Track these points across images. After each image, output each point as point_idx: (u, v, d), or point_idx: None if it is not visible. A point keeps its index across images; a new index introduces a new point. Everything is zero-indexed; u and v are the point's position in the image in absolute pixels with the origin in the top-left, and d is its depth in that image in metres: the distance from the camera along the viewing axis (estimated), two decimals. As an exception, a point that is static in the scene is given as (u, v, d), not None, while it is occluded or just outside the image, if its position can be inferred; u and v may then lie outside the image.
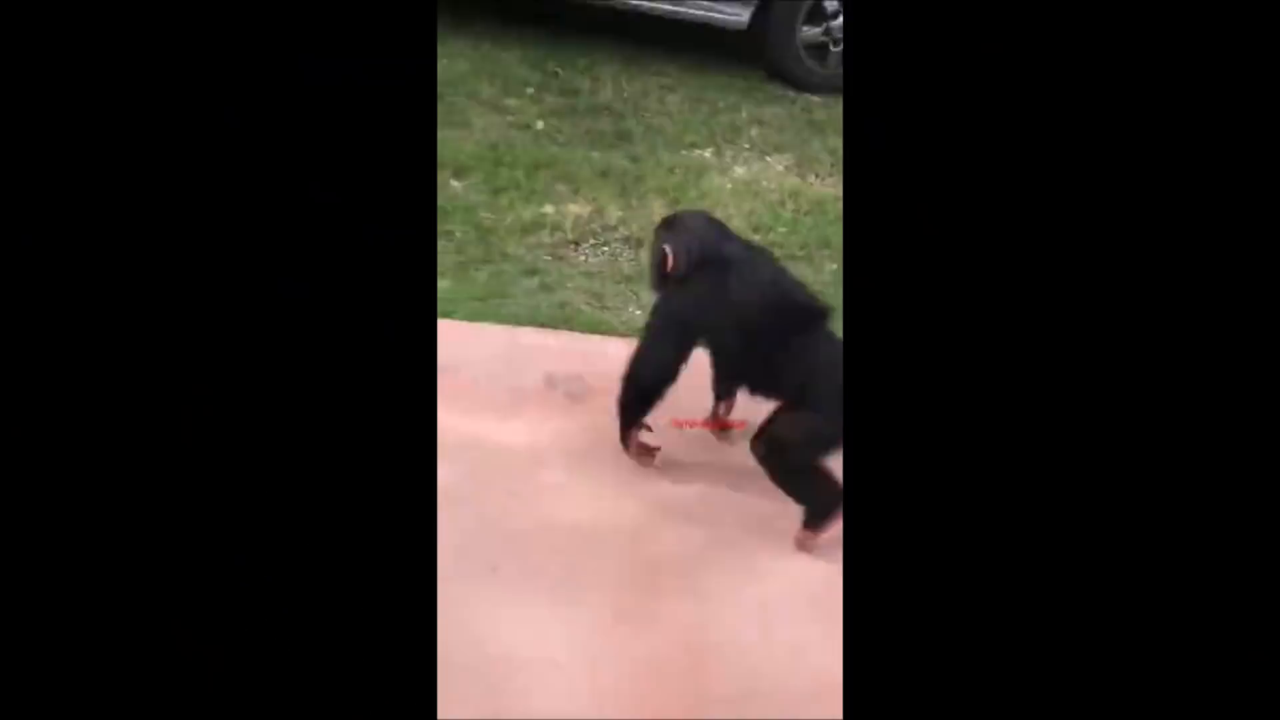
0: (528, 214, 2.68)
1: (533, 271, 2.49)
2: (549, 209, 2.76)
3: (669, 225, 1.92)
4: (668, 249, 1.81)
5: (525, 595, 1.57)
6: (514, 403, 2.00)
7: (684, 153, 3.31)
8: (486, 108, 3.37)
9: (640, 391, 1.81)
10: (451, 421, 1.93)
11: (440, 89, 3.38)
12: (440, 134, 3.05)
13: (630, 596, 1.60)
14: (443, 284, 2.40)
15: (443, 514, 1.68)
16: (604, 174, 3.03)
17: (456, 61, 3.64)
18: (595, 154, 3.17)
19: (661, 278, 1.83)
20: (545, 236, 2.64)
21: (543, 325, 2.27)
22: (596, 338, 2.24)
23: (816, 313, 1.76)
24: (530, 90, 3.56)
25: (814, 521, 1.69)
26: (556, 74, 3.72)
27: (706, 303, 1.77)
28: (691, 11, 3.74)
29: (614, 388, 1.86)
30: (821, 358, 1.65)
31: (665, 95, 3.79)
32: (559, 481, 1.82)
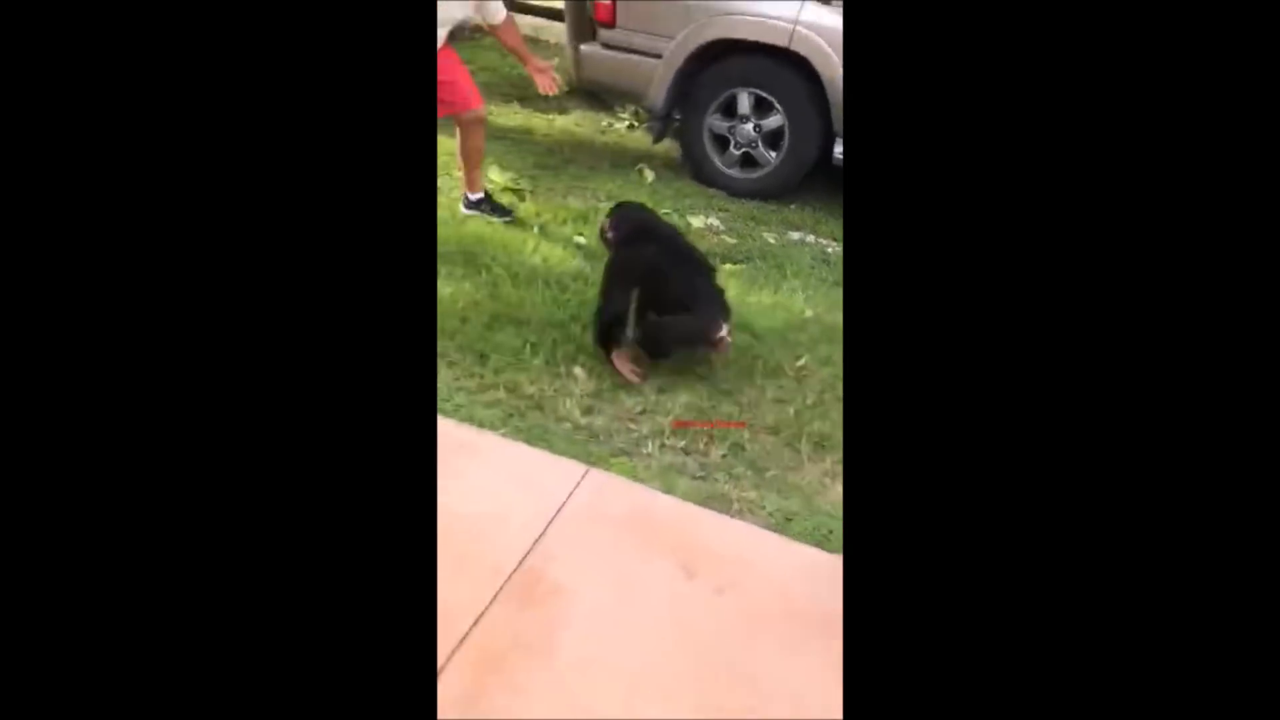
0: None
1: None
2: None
3: (612, 210, 2.76)
4: (607, 223, 2.69)
5: None
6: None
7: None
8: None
9: (606, 327, 2.43)
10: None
11: (779, 260, 3.44)
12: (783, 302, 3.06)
13: None
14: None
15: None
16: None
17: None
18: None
19: (605, 243, 2.68)
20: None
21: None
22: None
23: (704, 264, 2.56)
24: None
25: (643, 353, 2.45)
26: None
27: (635, 257, 2.50)
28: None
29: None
30: (703, 289, 2.44)
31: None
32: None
